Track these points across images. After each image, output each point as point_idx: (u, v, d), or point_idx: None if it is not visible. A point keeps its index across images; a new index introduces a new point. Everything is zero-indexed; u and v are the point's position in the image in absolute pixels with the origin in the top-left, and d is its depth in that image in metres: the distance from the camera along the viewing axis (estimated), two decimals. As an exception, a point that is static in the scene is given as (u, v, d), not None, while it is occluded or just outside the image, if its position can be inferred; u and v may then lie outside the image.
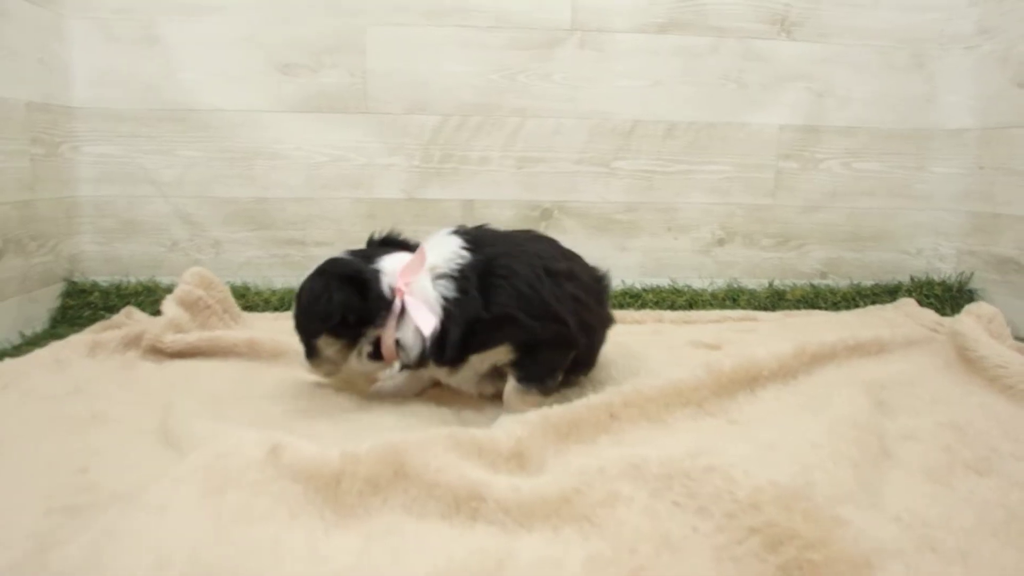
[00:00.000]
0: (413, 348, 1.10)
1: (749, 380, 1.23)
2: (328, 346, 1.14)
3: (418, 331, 1.08)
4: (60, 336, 1.60)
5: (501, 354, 1.12)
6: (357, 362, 1.15)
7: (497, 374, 1.18)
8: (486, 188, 2.05)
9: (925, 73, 2.06)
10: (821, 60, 2.04)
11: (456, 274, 1.10)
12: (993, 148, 1.95)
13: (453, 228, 1.20)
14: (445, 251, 1.13)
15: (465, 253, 1.12)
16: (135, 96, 1.94)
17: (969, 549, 0.74)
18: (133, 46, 1.92)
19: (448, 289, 1.09)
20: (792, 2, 2.00)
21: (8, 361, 1.30)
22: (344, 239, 2.05)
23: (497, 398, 1.21)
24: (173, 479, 0.76)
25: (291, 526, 0.74)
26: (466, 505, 0.79)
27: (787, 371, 1.29)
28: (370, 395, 1.26)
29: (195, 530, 0.69)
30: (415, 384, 1.28)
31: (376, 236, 1.26)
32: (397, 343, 1.11)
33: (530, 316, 1.08)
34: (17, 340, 1.60)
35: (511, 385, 1.14)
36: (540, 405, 1.11)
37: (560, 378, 1.18)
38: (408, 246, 1.24)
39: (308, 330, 1.15)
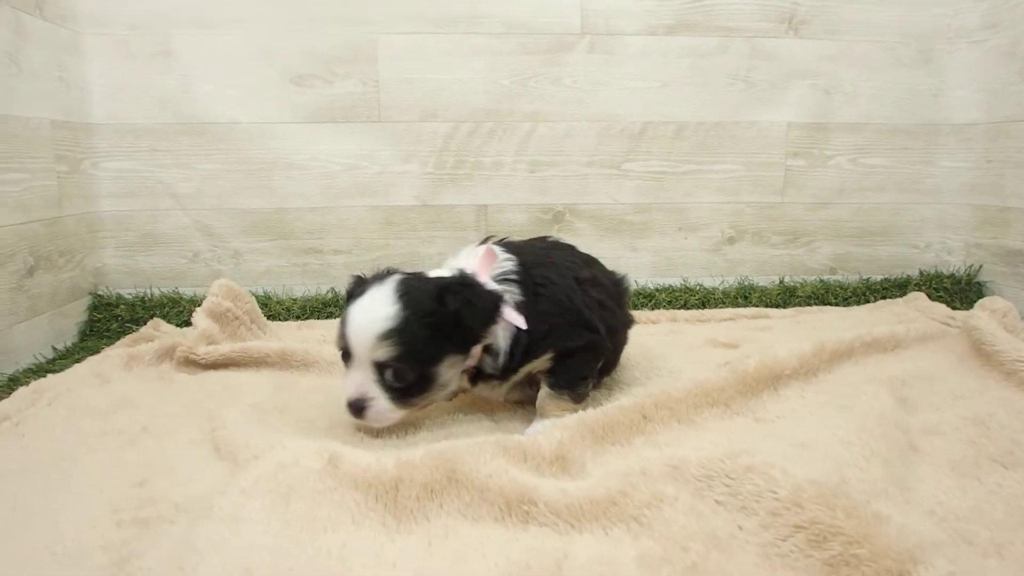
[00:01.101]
0: (503, 351, 1.08)
1: (772, 379, 1.27)
2: (452, 366, 1.06)
3: (507, 331, 1.07)
4: (91, 349, 1.64)
5: (542, 362, 1.14)
6: (459, 378, 1.10)
7: (526, 381, 1.20)
8: (499, 193, 2.09)
9: (932, 68, 2.10)
10: (828, 57, 2.07)
11: (514, 276, 1.11)
12: (1001, 141, 1.98)
13: (480, 240, 1.22)
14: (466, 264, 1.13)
15: (511, 256, 1.14)
16: (153, 111, 1.96)
17: (1003, 541, 0.78)
18: (149, 61, 1.94)
19: (514, 292, 1.09)
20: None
21: (51, 377, 1.34)
22: (361, 247, 2.08)
23: (522, 404, 1.24)
24: (240, 491, 0.79)
25: (356, 533, 0.77)
26: (518, 508, 0.82)
27: (808, 369, 1.33)
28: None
29: (270, 540, 0.72)
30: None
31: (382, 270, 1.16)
32: (488, 349, 1.09)
33: (569, 325, 1.12)
34: (50, 354, 1.63)
35: (544, 392, 1.16)
36: (572, 410, 1.15)
37: (592, 384, 1.21)
38: None
39: (436, 352, 1.03)
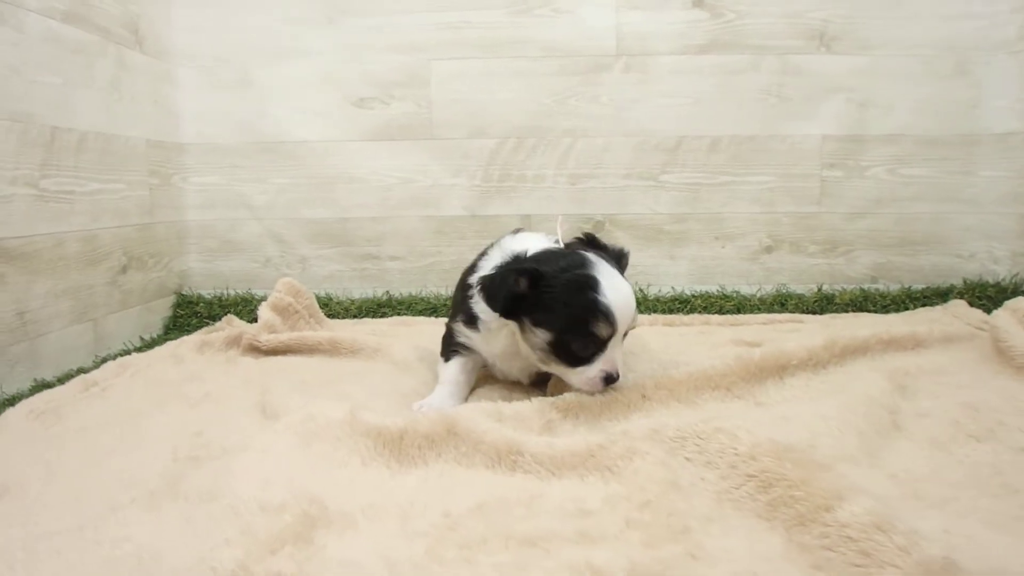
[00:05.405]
0: None
1: (778, 368, 1.32)
2: None
3: None
4: (173, 340, 1.86)
5: None
6: None
7: None
8: (542, 204, 2.22)
9: (970, 79, 2.10)
10: (862, 71, 2.11)
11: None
12: (1042, 150, 1.97)
13: (513, 231, 1.42)
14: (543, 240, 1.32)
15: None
16: (234, 132, 2.21)
17: (950, 497, 0.84)
18: (232, 89, 2.20)
19: None
20: (829, 17, 2.09)
21: (134, 355, 1.55)
22: (414, 253, 2.26)
23: (540, 386, 1.33)
24: (273, 432, 0.94)
25: (364, 471, 0.91)
26: (507, 458, 0.94)
27: (817, 361, 1.37)
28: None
29: (291, 466, 0.87)
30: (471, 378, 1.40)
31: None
32: None
33: None
34: (138, 343, 1.87)
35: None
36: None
37: None
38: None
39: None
